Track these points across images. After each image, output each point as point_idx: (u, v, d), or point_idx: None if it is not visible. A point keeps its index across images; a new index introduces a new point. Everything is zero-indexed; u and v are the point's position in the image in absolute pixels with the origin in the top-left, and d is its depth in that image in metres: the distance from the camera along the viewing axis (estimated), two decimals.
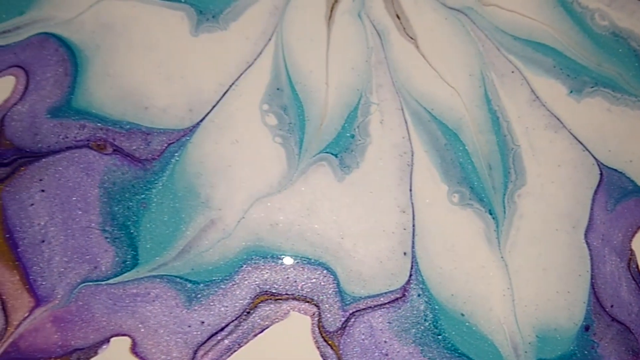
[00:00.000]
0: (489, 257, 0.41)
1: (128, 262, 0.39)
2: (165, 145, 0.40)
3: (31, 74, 0.40)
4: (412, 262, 0.40)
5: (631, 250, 0.42)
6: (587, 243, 0.41)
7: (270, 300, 0.39)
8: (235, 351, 0.39)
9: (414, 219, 0.41)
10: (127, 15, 0.41)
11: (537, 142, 0.42)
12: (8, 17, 0.40)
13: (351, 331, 0.40)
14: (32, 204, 0.39)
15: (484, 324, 0.41)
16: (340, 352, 0.39)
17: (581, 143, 0.42)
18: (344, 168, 0.41)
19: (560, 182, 0.42)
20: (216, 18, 0.41)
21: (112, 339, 0.38)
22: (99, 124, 0.40)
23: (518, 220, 0.41)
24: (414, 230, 0.41)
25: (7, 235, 0.39)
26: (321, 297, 0.40)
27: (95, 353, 0.38)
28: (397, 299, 0.40)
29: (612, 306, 0.41)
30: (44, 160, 0.40)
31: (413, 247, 0.41)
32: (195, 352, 0.38)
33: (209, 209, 0.40)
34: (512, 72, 0.43)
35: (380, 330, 0.40)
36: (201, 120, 0.40)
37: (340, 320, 0.40)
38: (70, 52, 0.40)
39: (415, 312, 0.40)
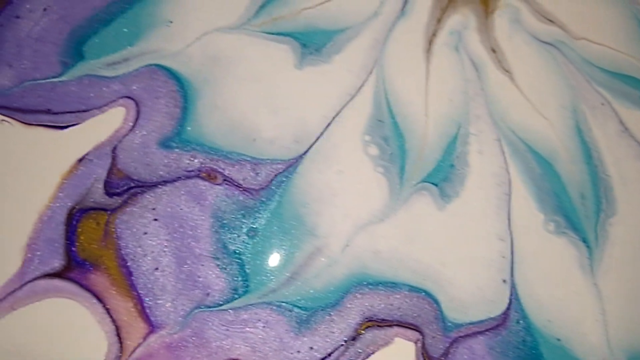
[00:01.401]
0: (583, 284, 0.43)
1: (239, 289, 0.41)
2: (273, 175, 0.42)
3: (141, 105, 0.42)
4: (511, 289, 0.42)
5: None
6: None
7: (375, 327, 0.41)
8: None
9: (512, 247, 0.42)
10: (233, 48, 0.42)
11: (627, 172, 0.44)
12: (117, 48, 0.42)
13: (454, 357, 0.41)
14: (146, 233, 0.41)
15: (579, 348, 0.42)
16: None
17: None
18: (444, 197, 0.42)
19: None
20: (319, 51, 0.43)
21: None
22: (209, 155, 0.41)
23: (610, 248, 0.43)
24: (512, 258, 0.42)
25: (122, 264, 0.40)
26: (424, 324, 0.41)
27: None
28: (497, 325, 0.42)
29: None
30: (156, 190, 0.41)
31: (512, 274, 0.42)
32: None
33: (315, 237, 0.41)
34: (602, 104, 0.44)
35: (482, 356, 0.41)
36: (306, 151, 0.42)
37: (443, 346, 0.41)
38: (180, 84, 0.42)
39: (514, 337, 0.42)
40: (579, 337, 0.42)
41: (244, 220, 0.41)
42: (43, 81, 0.42)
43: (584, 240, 0.43)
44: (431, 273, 0.42)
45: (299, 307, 0.41)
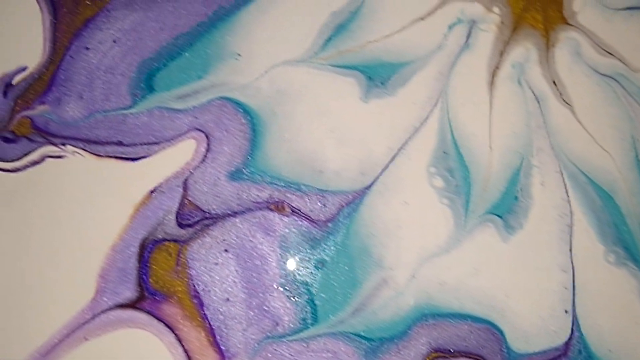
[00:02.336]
0: None
1: (307, 320, 0.41)
2: (340, 206, 0.42)
3: (211, 137, 0.42)
4: (572, 320, 0.43)
5: None
6: None
7: (441, 357, 0.42)
8: None
9: (573, 278, 0.43)
10: (300, 81, 0.43)
11: None
12: (187, 81, 0.43)
13: None
14: (216, 264, 0.41)
15: None
16: None
17: None
18: (508, 229, 0.43)
19: None
20: (384, 84, 0.43)
21: None
22: (277, 187, 0.42)
23: None
24: (574, 289, 0.43)
25: (193, 294, 0.41)
26: (489, 354, 0.42)
27: None
28: (559, 355, 0.42)
29: None
30: (226, 221, 0.42)
31: (573, 305, 0.43)
32: None
33: (381, 269, 0.42)
34: None
35: None
36: (372, 183, 0.43)
37: None
38: (248, 117, 0.43)
39: None
40: None
41: (312, 252, 0.42)
42: (114, 113, 0.42)
43: None
44: (495, 304, 0.43)
45: (367, 338, 0.42)
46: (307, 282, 0.42)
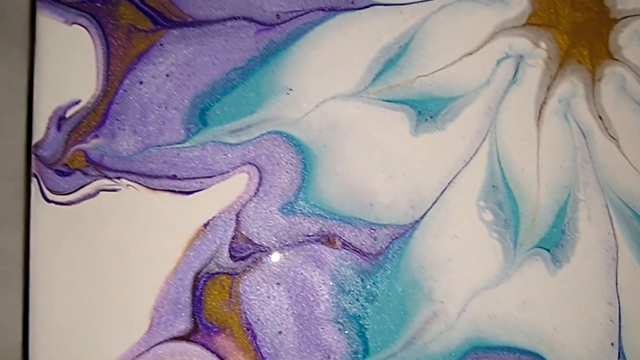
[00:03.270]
0: None
1: (359, 353, 0.42)
2: (390, 240, 0.43)
3: (263, 171, 0.43)
4: (619, 353, 0.43)
5: None
6: None
7: None
8: None
9: (620, 310, 0.44)
10: (351, 115, 0.44)
11: None
12: (240, 115, 0.43)
13: None
14: (269, 297, 0.42)
15: None
16: None
17: None
18: (555, 262, 0.44)
19: None
20: (434, 118, 0.44)
21: None
22: (328, 220, 0.43)
23: None
24: (620, 321, 0.44)
25: (246, 327, 0.42)
26: None
27: None
28: None
29: None
30: (278, 254, 0.42)
31: (620, 338, 0.43)
32: None
33: (431, 302, 0.43)
34: None
35: None
36: (422, 216, 0.43)
37: None
38: (300, 151, 0.43)
39: None
40: None
41: (362, 285, 0.43)
42: (167, 147, 0.43)
43: None
44: (543, 336, 0.43)
45: None
46: (358, 315, 0.43)
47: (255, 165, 0.43)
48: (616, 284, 0.44)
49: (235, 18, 0.44)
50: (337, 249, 0.43)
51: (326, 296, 0.43)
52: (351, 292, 0.43)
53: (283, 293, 0.42)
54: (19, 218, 0.48)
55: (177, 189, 0.43)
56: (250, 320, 0.42)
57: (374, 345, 0.42)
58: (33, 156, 0.42)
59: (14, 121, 0.48)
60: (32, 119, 0.43)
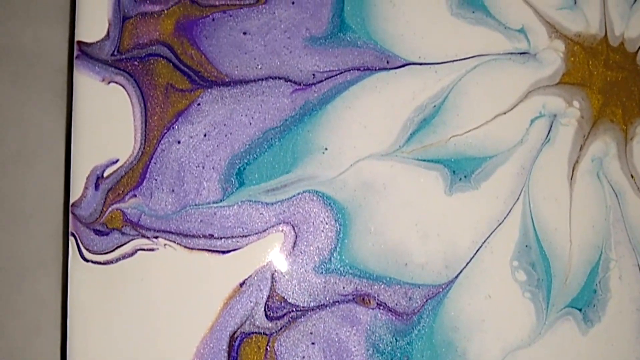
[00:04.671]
0: None
1: None
2: (425, 300, 0.44)
3: (299, 230, 0.43)
4: None
5: None
6: None
7: None
8: None
9: None
10: (385, 175, 0.44)
11: None
12: (276, 175, 0.44)
13: None
14: (304, 357, 0.42)
15: None
16: None
17: None
18: (587, 322, 0.44)
19: None
20: (468, 178, 0.44)
21: None
22: (363, 280, 0.43)
23: None
24: None
25: None
26: None
27: None
28: None
29: None
30: (313, 314, 0.43)
31: None
32: None
33: None
34: None
35: None
36: (457, 276, 0.44)
37: None
38: (335, 210, 0.44)
39: None
40: None
41: (397, 345, 0.43)
42: (204, 206, 0.43)
43: None
44: None
45: None
46: None
47: (291, 224, 0.44)
48: None
49: (271, 78, 0.44)
50: (371, 308, 0.44)
51: (360, 356, 0.43)
52: (385, 352, 0.43)
53: (318, 353, 0.43)
54: (58, 277, 0.48)
55: (213, 248, 0.43)
56: None
57: None
58: (71, 215, 0.43)
59: (52, 180, 0.49)
60: (70, 178, 0.43)
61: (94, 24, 0.44)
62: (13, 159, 0.50)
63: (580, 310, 0.45)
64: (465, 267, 0.44)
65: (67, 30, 0.53)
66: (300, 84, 0.45)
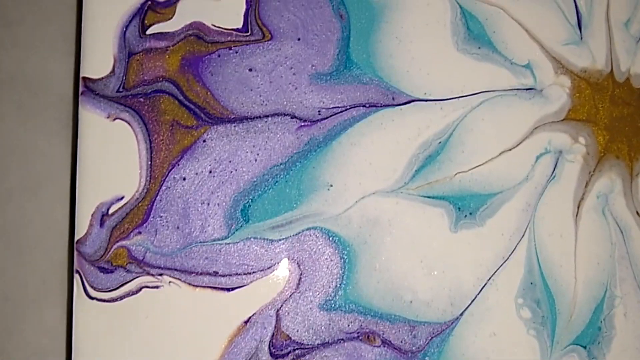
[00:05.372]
0: None
1: None
2: (430, 337, 0.44)
3: (304, 267, 0.44)
4: None
5: None
6: None
7: None
8: None
9: None
10: (391, 211, 0.44)
11: None
12: (281, 211, 0.44)
13: None
14: None
15: None
16: None
17: None
18: (592, 359, 0.44)
19: None
20: (473, 215, 0.45)
21: None
22: (368, 317, 0.43)
23: None
24: None
25: None
26: None
27: None
28: None
29: None
30: (318, 352, 0.43)
31: None
32: None
33: None
34: None
35: None
36: (462, 314, 0.44)
37: None
38: (340, 247, 0.44)
39: None
40: None
41: None
42: (209, 243, 0.43)
43: None
44: None
45: None
46: None
47: (296, 262, 0.44)
48: None
49: (277, 114, 0.44)
50: (376, 346, 0.44)
51: None
52: None
53: None
54: (62, 309, 0.48)
55: (218, 286, 0.43)
56: None
57: None
58: (76, 252, 0.43)
59: (57, 210, 0.49)
60: (75, 213, 0.43)
61: (100, 60, 0.44)
62: (18, 188, 0.50)
63: (584, 347, 0.45)
64: (470, 305, 0.44)
65: (73, 59, 0.53)
66: (305, 121, 0.45)
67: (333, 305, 0.44)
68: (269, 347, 0.43)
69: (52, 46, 0.52)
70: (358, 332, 0.44)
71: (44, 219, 0.50)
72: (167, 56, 0.44)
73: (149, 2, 0.45)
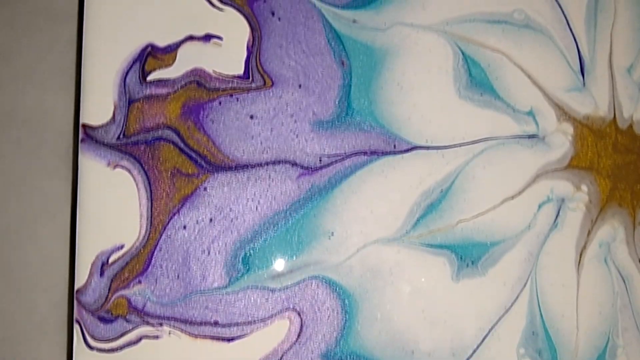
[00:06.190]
0: None
1: None
2: None
3: (304, 317, 0.43)
4: None
5: None
6: None
7: None
8: None
9: None
10: (392, 260, 0.44)
11: None
12: (282, 260, 0.44)
13: None
14: None
15: None
16: None
17: None
18: None
19: None
20: (475, 264, 0.44)
21: None
22: None
23: None
24: None
25: None
26: None
27: None
28: None
29: None
30: None
31: None
32: None
33: None
34: None
35: None
36: None
37: None
38: (341, 296, 0.44)
39: None
40: None
41: None
42: (210, 292, 0.43)
43: None
44: None
45: None
46: None
47: (297, 311, 0.44)
48: None
49: (278, 162, 0.44)
50: None
51: None
52: None
53: None
54: (62, 350, 0.48)
55: (218, 336, 0.43)
56: None
57: None
58: (76, 302, 0.43)
59: (56, 248, 0.49)
60: (75, 264, 0.43)
61: (100, 107, 0.44)
62: (16, 225, 0.50)
63: None
64: (472, 355, 0.44)
65: (73, 95, 0.53)
66: (306, 168, 0.45)
67: (334, 356, 0.44)
68: None
69: (50, 79, 0.52)
70: None
71: (43, 259, 0.50)
72: (167, 103, 0.44)
73: (149, 48, 0.44)
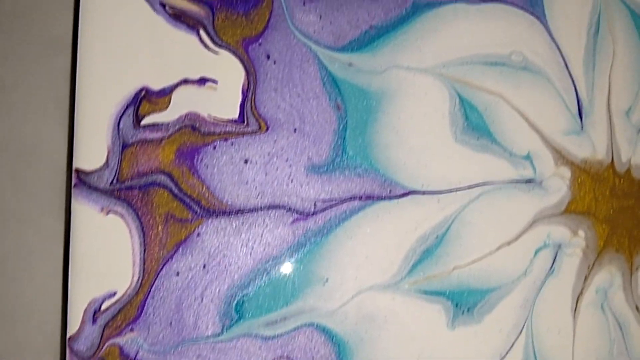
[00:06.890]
0: None
1: None
2: None
3: None
4: None
5: None
6: None
7: None
8: None
9: None
10: (387, 307, 0.44)
11: None
12: (276, 307, 0.44)
13: None
14: None
15: None
16: None
17: None
18: None
19: None
20: (471, 311, 0.44)
21: None
22: None
23: None
24: None
25: None
26: None
27: None
28: None
29: None
30: None
31: None
32: None
33: None
34: None
35: None
36: None
37: None
38: (335, 344, 0.43)
39: None
40: None
41: None
42: (203, 340, 0.43)
43: None
44: None
45: None
46: None
47: (291, 359, 0.43)
48: None
49: (272, 207, 0.44)
50: None
51: None
52: None
53: None
54: None
55: None
56: None
57: None
58: (68, 350, 0.43)
59: (50, 281, 0.49)
60: (67, 312, 0.43)
61: (93, 151, 0.44)
62: (11, 258, 0.50)
63: None
64: None
65: (67, 127, 0.52)
66: (301, 214, 0.44)
67: None
68: None
69: (46, 113, 0.51)
70: None
71: (36, 288, 0.50)
72: (162, 148, 0.44)
73: (144, 92, 0.44)
